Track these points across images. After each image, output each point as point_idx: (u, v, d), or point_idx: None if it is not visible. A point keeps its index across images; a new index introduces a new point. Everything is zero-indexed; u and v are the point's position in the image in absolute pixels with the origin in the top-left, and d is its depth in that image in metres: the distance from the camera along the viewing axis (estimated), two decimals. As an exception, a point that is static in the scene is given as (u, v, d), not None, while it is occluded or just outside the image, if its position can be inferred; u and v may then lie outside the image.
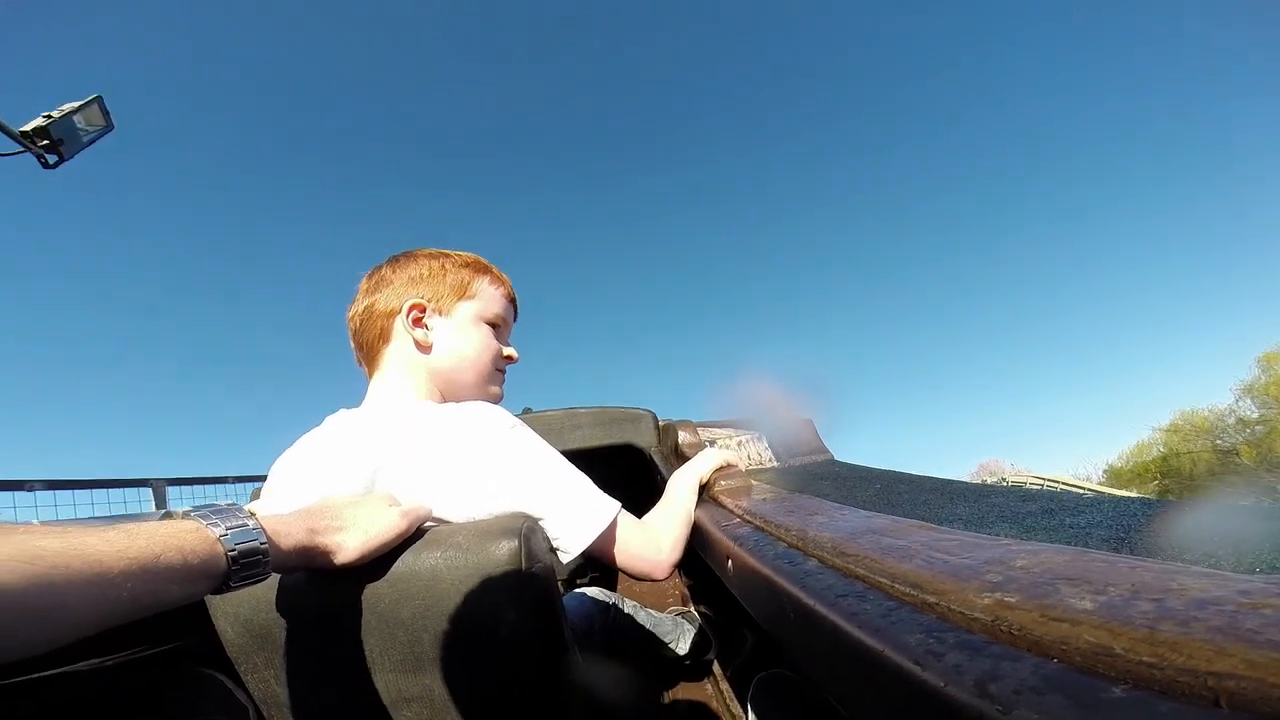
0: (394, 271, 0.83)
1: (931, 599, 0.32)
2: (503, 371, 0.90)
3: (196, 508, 0.47)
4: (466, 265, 0.86)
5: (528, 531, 0.57)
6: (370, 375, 0.83)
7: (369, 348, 0.82)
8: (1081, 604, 0.26)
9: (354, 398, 0.81)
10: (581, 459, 0.74)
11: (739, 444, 1.25)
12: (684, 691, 1.28)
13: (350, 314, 0.84)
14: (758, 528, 0.61)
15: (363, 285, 0.85)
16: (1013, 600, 0.28)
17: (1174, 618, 0.23)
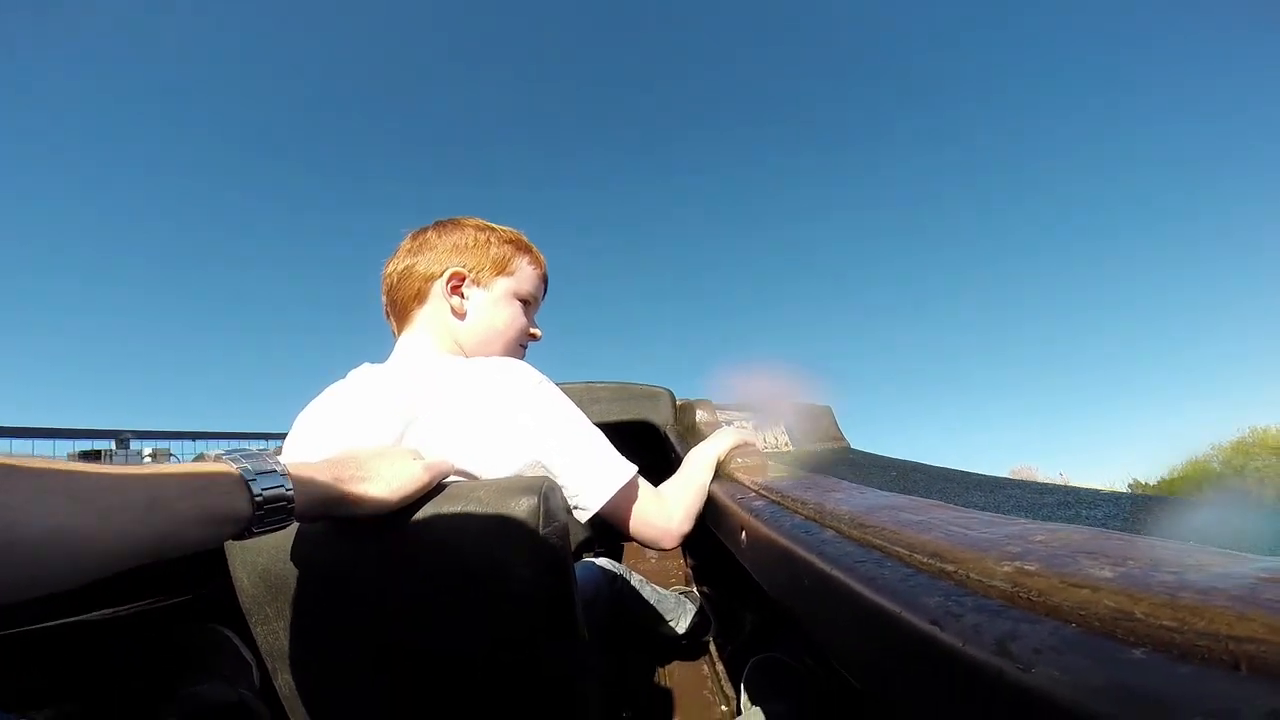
0: (439, 236, 0.85)
1: (950, 567, 0.33)
2: (525, 347, 0.92)
3: (229, 451, 0.47)
4: (509, 241, 0.88)
5: (547, 490, 0.58)
6: (398, 331, 0.85)
7: (402, 305, 0.84)
8: (1101, 573, 0.27)
9: (345, 363, 0.83)
10: None
11: (756, 426, 1.25)
12: (680, 669, 1.30)
13: (389, 269, 0.86)
14: (774, 501, 0.62)
15: (405, 244, 0.87)
16: (1032, 568, 0.29)
17: (1194, 587, 0.24)
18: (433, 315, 0.83)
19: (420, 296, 0.83)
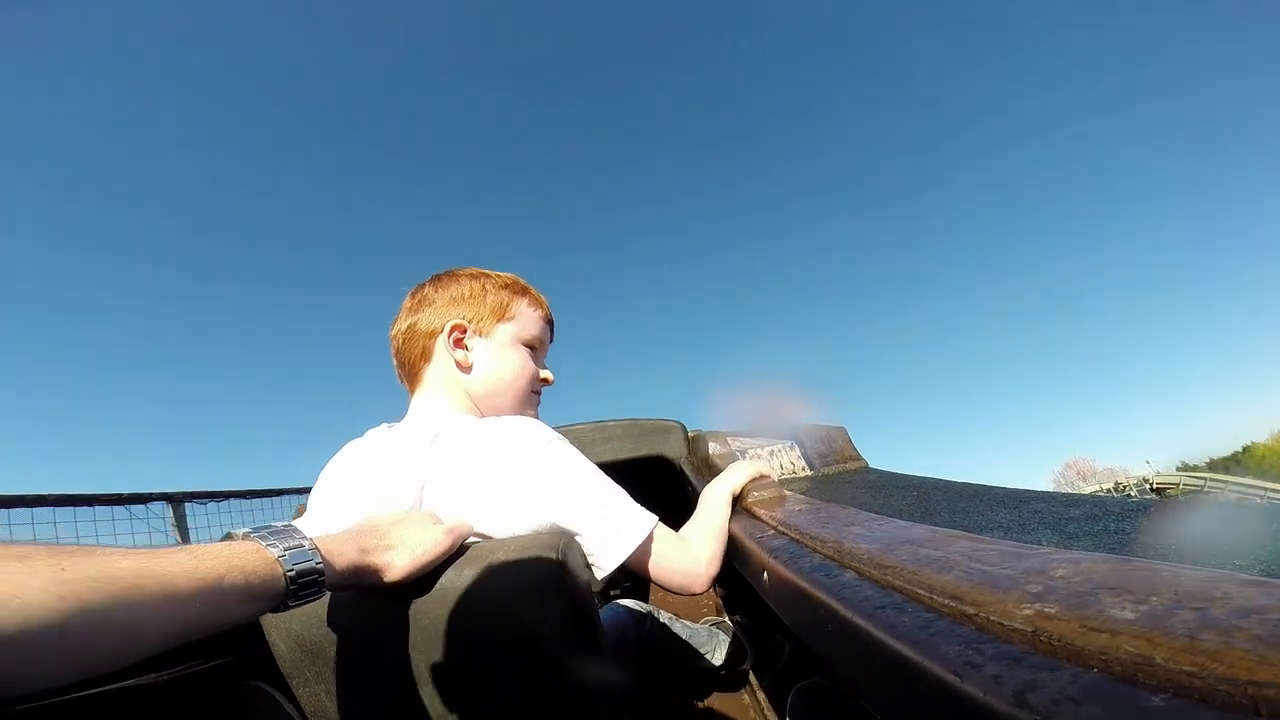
0: (436, 291, 0.85)
1: (970, 610, 0.32)
2: (538, 393, 0.92)
3: (255, 529, 0.49)
4: (506, 286, 0.88)
5: (565, 547, 0.58)
6: (411, 392, 0.85)
7: (411, 366, 0.84)
8: (1122, 614, 0.26)
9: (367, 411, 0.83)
10: (612, 472, 0.75)
11: (770, 453, 1.24)
12: (720, 702, 1.27)
13: (393, 332, 0.86)
14: (793, 539, 0.61)
15: (406, 304, 0.87)
16: (1052, 611, 0.29)
17: (1216, 627, 0.23)
18: (440, 372, 0.83)
19: (426, 354, 0.83)
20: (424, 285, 0.88)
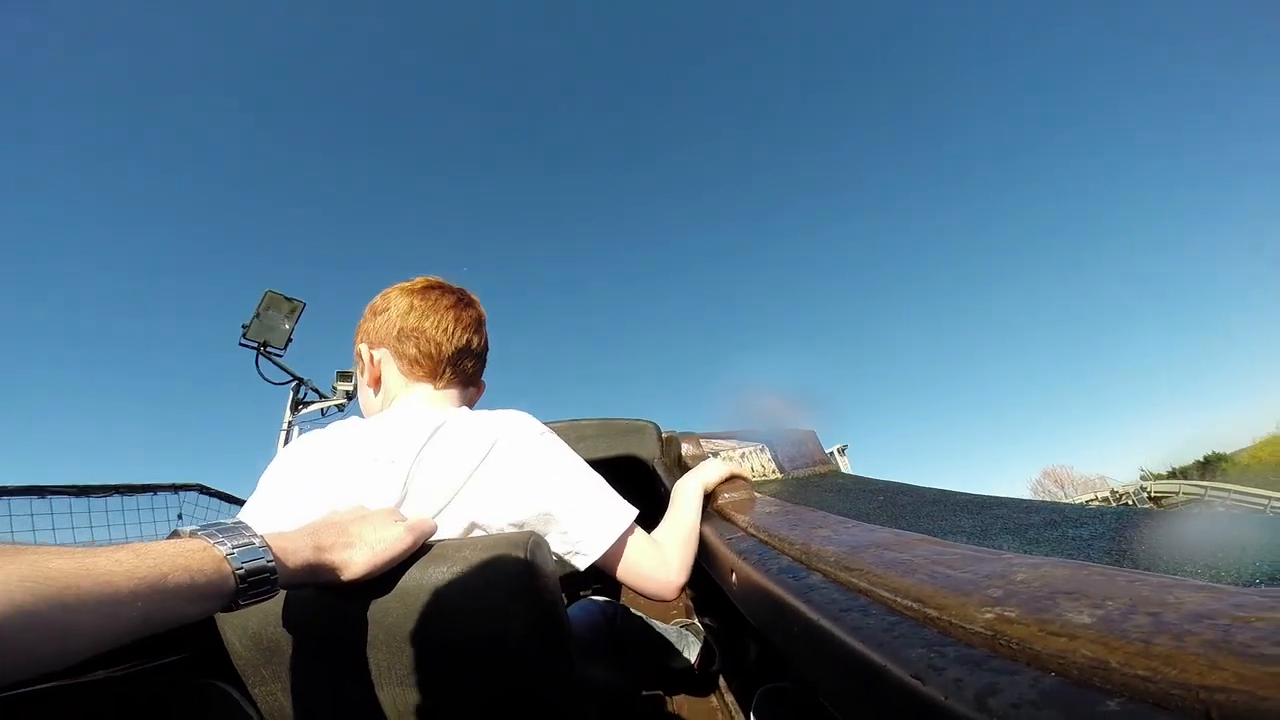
0: (482, 324, 0.95)
1: (933, 613, 0.33)
2: None
3: (204, 526, 0.47)
4: None
5: (533, 545, 0.58)
6: (429, 378, 0.87)
7: (463, 373, 0.90)
8: (1080, 618, 0.27)
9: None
10: None
11: (742, 455, 1.25)
12: (688, 703, 1.27)
13: (452, 332, 0.88)
14: (761, 541, 0.62)
15: (470, 321, 0.91)
16: (1012, 615, 0.29)
17: (1169, 631, 0.24)
18: (467, 392, 0.92)
19: (475, 379, 0.93)
20: (475, 303, 0.94)
